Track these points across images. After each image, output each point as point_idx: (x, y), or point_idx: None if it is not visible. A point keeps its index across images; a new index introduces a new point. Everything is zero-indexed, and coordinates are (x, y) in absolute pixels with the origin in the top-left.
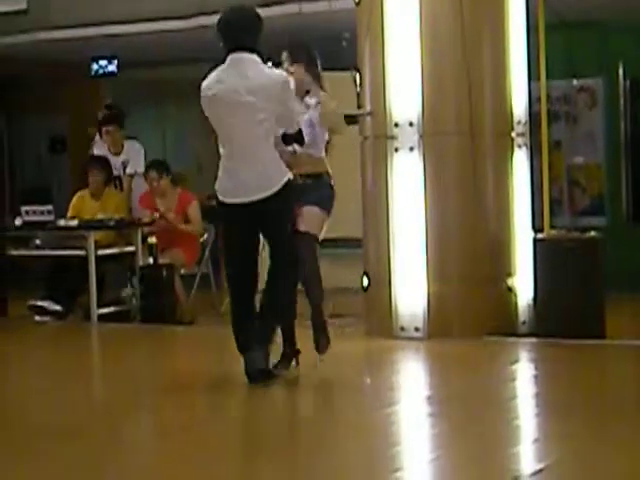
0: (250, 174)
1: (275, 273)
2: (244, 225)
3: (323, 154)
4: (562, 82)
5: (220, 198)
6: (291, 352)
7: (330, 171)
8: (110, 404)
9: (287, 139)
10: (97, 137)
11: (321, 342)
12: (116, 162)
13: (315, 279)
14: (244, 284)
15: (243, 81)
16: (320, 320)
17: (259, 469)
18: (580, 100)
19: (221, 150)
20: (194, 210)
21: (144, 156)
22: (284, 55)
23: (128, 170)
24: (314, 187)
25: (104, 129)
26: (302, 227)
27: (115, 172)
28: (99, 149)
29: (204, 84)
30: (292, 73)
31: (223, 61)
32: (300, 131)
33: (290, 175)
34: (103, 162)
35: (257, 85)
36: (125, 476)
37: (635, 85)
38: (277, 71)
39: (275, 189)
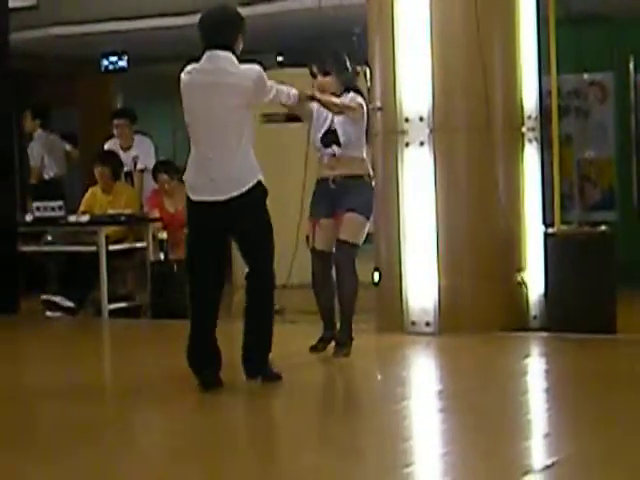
0: (219, 172)
1: (251, 298)
2: (213, 223)
3: (364, 155)
4: (573, 76)
5: (188, 194)
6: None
7: (372, 173)
8: (120, 399)
9: (326, 141)
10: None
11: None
12: (127, 158)
13: (351, 294)
14: (204, 302)
15: (216, 74)
16: (345, 336)
17: (270, 462)
18: (591, 94)
19: (192, 143)
20: None
21: (154, 152)
22: (314, 68)
23: (139, 166)
24: (353, 190)
25: (115, 122)
26: (341, 235)
27: (126, 168)
28: (110, 145)
29: (182, 75)
30: (325, 84)
31: (199, 59)
32: (335, 132)
33: (261, 176)
34: (108, 156)
35: (230, 79)
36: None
37: None
38: (249, 66)
39: (244, 189)
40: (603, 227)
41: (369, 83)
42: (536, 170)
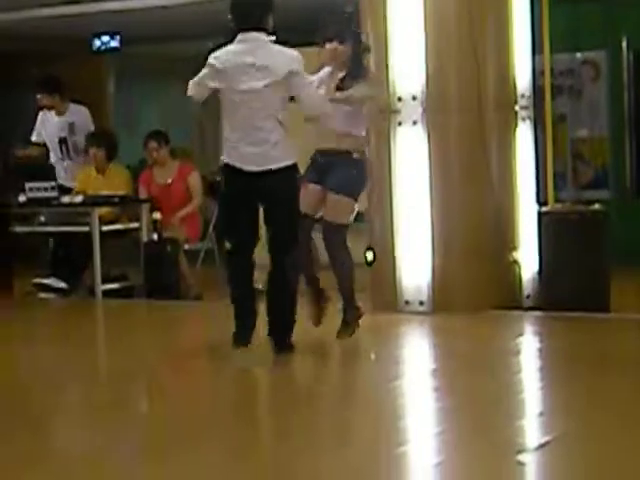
0: (252, 149)
1: (274, 268)
2: (248, 192)
3: (358, 131)
4: (566, 55)
5: (224, 159)
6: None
7: (363, 148)
8: (115, 379)
9: None
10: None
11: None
12: (62, 123)
13: (345, 273)
14: (241, 260)
15: (251, 58)
16: (350, 316)
17: (263, 440)
18: (584, 73)
19: (227, 125)
20: (195, 180)
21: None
22: (328, 33)
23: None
24: (337, 167)
25: (38, 97)
26: (326, 217)
27: (62, 134)
28: (42, 118)
29: (212, 56)
30: (339, 52)
31: (232, 41)
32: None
33: (295, 160)
34: (102, 137)
35: (264, 64)
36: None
37: (639, 57)
38: (287, 51)
39: (275, 166)
40: (597, 206)
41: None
42: (529, 149)
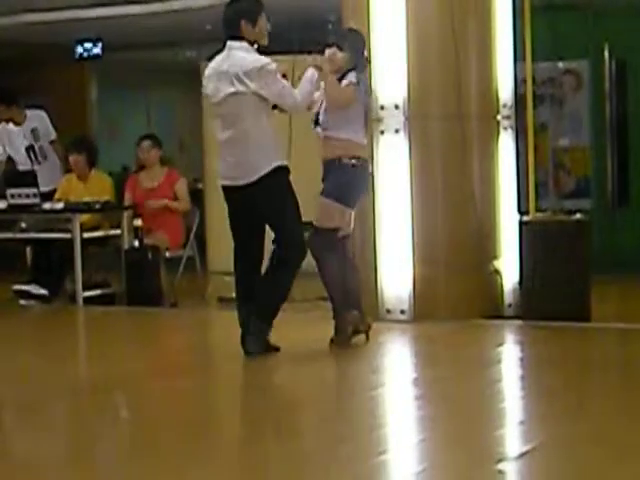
0: (234, 158)
1: (273, 258)
2: (237, 207)
3: (351, 136)
4: (548, 64)
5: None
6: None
7: (359, 154)
8: (93, 385)
9: (315, 120)
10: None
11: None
12: (25, 132)
13: (326, 279)
14: (242, 265)
15: (226, 63)
16: (338, 324)
17: (242, 450)
18: (566, 82)
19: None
20: (182, 187)
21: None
22: (330, 40)
23: (51, 137)
24: (329, 173)
25: None
26: (314, 220)
27: (26, 142)
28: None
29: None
30: (336, 58)
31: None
32: (317, 113)
33: (279, 162)
34: (83, 144)
35: (235, 68)
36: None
37: (621, 67)
38: (256, 56)
39: (257, 176)
40: (578, 215)
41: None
42: (511, 158)
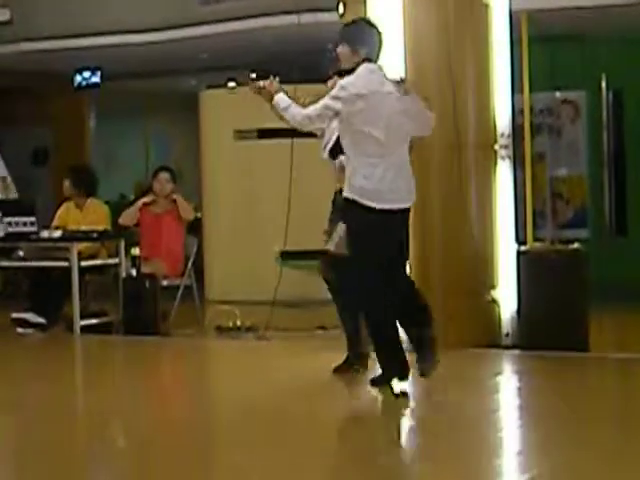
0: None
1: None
2: (394, 234)
3: None
4: (545, 94)
5: (366, 203)
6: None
7: None
8: (90, 415)
9: (336, 151)
10: None
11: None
12: None
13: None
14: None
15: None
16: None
17: (228, 465)
18: (563, 112)
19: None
20: (180, 198)
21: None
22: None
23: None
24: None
25: None
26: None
27: None
28: None
29: None
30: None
31: None
32: (337, 140)
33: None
34: (77, 172)
35: None
36: None
37: (618, 97)
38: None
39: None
40: (575, 245)
41: None
42: (509, 188)
